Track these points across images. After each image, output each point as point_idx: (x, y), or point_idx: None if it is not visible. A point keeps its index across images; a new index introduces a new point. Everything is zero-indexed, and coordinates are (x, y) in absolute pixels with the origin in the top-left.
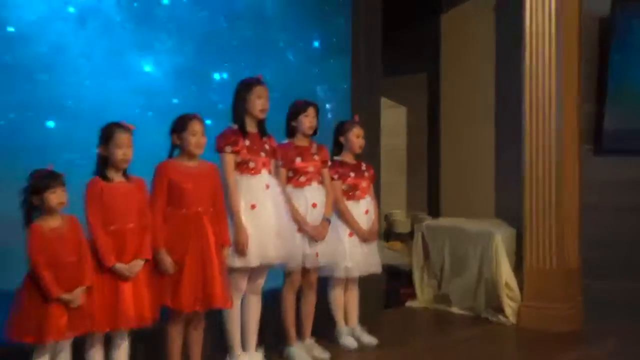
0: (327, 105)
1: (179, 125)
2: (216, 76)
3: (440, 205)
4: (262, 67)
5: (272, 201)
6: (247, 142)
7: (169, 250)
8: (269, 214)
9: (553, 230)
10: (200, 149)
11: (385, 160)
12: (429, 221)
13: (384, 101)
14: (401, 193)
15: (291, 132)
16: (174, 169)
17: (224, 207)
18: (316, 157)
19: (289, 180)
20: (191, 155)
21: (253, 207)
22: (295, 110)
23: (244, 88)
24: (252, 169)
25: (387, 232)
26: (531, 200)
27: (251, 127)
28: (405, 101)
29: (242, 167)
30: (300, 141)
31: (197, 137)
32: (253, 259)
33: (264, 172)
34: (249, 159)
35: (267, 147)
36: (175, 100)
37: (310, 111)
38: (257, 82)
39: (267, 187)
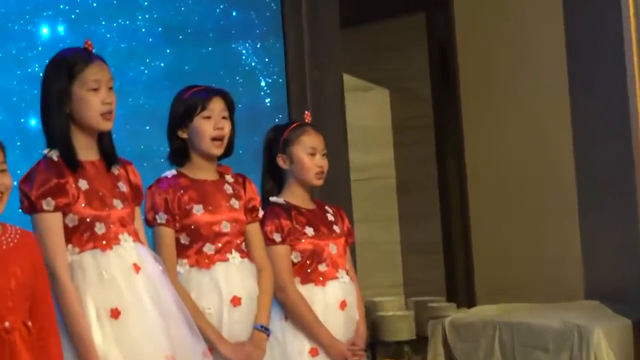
0: (263, 83)
1: None
2: (43, 31)
3: (473, 281)
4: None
5: (152, 297)
6: (84, 184)
7: None
8: (149, 322)
9: None
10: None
11: (356, 199)
12: (455, 314)
13: (347, 80)
14: (391, 261)
15: (178, 152)
16: None
17: (54, 318)
18: (235, 202)
19: (181, 251)
20: None
21: (115, 314)
22: (186, 107)
23: (59, 71)
24: (102, 237)
25: (369, 342)
26: None
27: (86, 152)
28: (387, 75)
29: (80, 235)
30: (200, 170)
31: None
32: None
33: (126, 239)
34: (93, 216)
35: (122, 186)
36: None
37: (216, 105)
38: (84, 56)
39: (137, 269)
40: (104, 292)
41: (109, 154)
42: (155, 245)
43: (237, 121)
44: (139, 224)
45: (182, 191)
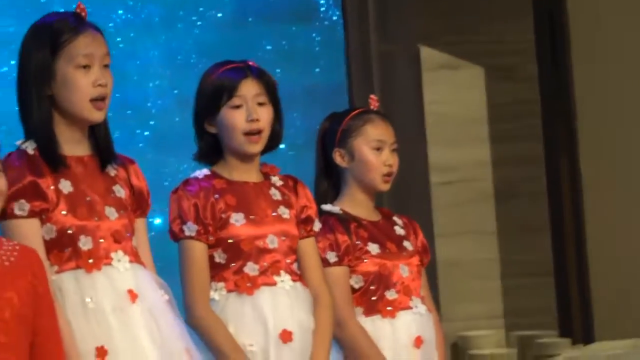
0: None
1: None
2: None
3: (592, 310)
4: None
5: (151, 334)
6: (67, 185)
7: None
8: None
9: None
10: None
11: (438, 207)
12: (569, 352)
13: (427, 56)
14: (488, 286)
15: (208, 151)
16: None
17: (62, 350)
18: (284, 211)
19: (216, 272)
20: None
21: (101, 354)
22: (211, 94)
23: (41, 41)
24: (88, 254)
25: None
26: None
27: (72, 145)
28: (481, 49)
29: (59, 251)
30: (238, 170)
31: None
32: None
33: (120, 258)
34: (77, 227)
35: (119, 190)
36: None
37: (247, 89)
38: (74, 24)
39: (133, 297)
40: (88, 326)
41: (103, 149)
42: (181, 264)
43: (290, 106)
44: (142, 240)
45: (216, 196)
